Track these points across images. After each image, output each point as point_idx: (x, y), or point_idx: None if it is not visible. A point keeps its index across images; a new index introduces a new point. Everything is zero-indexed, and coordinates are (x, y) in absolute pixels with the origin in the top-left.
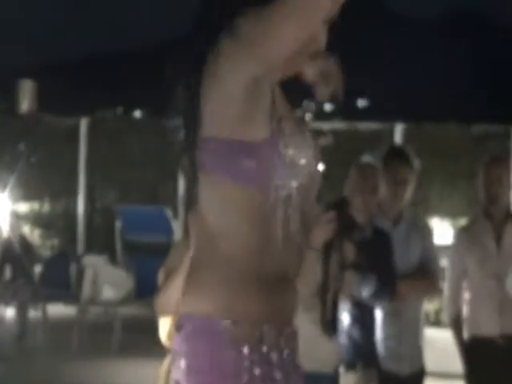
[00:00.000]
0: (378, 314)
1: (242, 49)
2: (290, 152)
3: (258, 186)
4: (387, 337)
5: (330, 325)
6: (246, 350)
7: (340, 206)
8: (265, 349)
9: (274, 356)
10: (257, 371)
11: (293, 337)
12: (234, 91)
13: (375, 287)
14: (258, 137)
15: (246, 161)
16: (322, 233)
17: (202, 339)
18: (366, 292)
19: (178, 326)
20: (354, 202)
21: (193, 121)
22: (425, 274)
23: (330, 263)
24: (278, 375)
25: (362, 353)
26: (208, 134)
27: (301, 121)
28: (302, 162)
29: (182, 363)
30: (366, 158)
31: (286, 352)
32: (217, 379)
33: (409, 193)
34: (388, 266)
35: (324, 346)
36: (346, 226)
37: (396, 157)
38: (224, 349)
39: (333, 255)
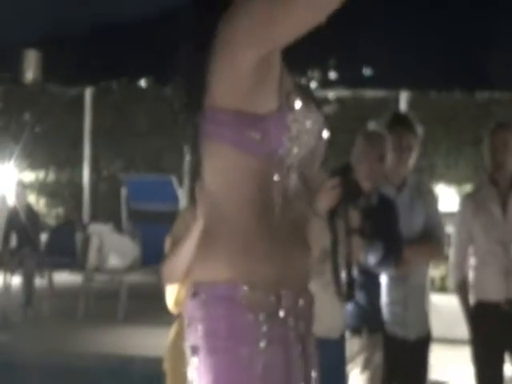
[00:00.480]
0: (384, 280)
1: (257, 25)
2: (296, 126)
3: (261, 155)
4: (393, 302)
5: (345, 290)
6: (263, 315)
7: (344, 172)
8: (282, 314)
9: (291, 321)
10: (274, 336)
11: (309, 303)
12: (246, 65)
13: (381, 255)
14: (266, 109)
15: (252, 131)
16: (326, 198)
17: (219, 305)
18: (372, 259)
19: (193, 293)
20: (361, 170)
21: (199, 90)
22: (429, 239)
23: (336, 230)
24: (294, 340)
25: (368, 318)
26: (215, 103)
27: (306, 94)
28: (308, 135)
29: (199, 328)
30: (373, 126)
31: (302, 318)
32: (234, 344)
33: (413, 159)
34: (394, 233)
35: (330, 311)
36: (350, 192)
37: (400, 123)
38: (241, 314)
39: (338, 222)
